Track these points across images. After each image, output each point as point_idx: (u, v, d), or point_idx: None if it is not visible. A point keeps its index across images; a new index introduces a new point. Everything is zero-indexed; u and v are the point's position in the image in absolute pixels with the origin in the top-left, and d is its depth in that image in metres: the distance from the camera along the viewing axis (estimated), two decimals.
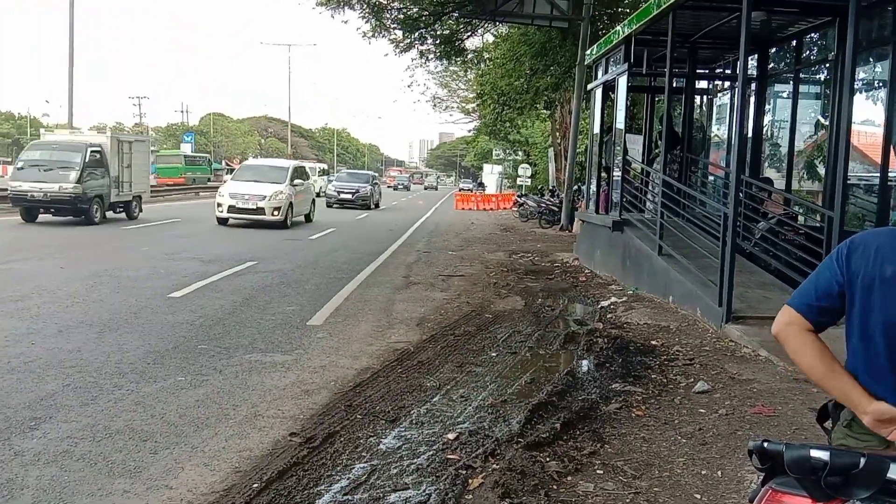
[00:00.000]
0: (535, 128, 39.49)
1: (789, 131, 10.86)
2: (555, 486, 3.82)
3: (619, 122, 12.28)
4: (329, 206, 30.50)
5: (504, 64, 24.34)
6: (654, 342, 7.08)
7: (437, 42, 22.48)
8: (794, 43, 10.97)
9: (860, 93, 9.47)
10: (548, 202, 25.14)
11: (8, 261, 11.15)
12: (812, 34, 10.73)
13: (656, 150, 12.75)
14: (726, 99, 13.52)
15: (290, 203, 19.34)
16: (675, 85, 12.34)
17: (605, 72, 13.03)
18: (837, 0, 8.52)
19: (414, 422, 4.76)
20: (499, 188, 52.52)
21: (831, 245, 7.15)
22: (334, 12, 20.33)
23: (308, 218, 21.65)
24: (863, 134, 10.13)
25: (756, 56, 11.36)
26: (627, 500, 3.70)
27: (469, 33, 24.42)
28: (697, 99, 13.81)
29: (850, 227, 7.83)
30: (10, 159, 52.63)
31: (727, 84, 13.57)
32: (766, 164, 12.05)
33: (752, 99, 11.48)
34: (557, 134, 30.33)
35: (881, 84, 9.16)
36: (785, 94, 11.62)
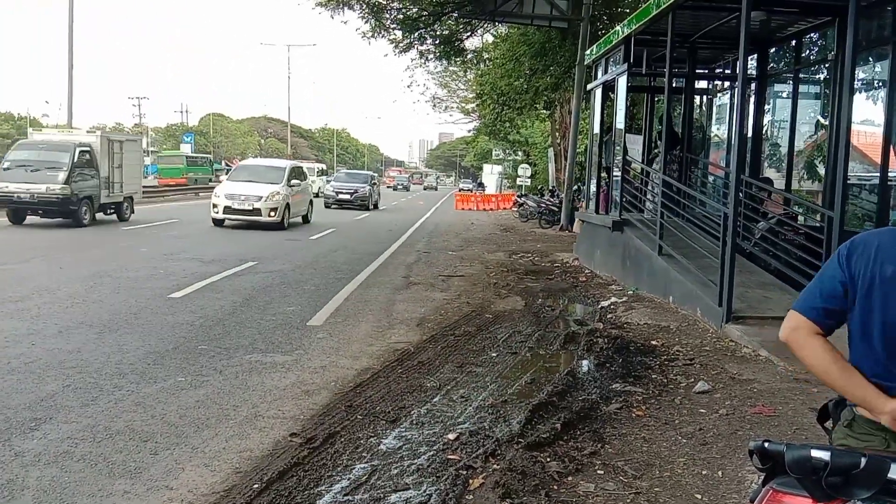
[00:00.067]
0: (535, 128, 39.50)
1: (789, 131, 10.86)
2: (555, 487, 3.82)
3: (619, 122, 12.28)
4: (327, 206, 30.20)
5: (504, 64, 24.34)
6: (654, 342, 7.08)
7: (437, 42, 22.47)
8: (793, 43, 10.97)
9: (860, 93, 9.47)
10: (548, 202, 25.14)
11: (3, 262, 11.15)
12: (812, 34, 10.74)
13: (656, 150, 12.76)
14: (726, 99, 13.53)
15: (287, 204, 19.07)
16: (674, 85, 12.34)
17: (605, 72, 13.04)
18: (837, 0, 8.53)
19: (414, 422, 4.77)
20: (499, 188, 52.53)
21: (831, 245, 7.15)
22: (334, 13, 20.33)
23: (306, 219, 21.43)
24: (862, 134, 10.13)
25: (756, 56, 11.37)
26: (628, 501, 3.70)
27: (468, 33, 24.42)
28: (697, 99, 13.82)
29: (849, 226, 7.83)
30: None
31: (727, 84, 13.57)
32: (766, 164, 12.06)
33: (752, 99, 11.48)
34: (557, 134, 30.33)
35: (881, 84, 9.17)
36: (784, 94, 11.62)
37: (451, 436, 4.48)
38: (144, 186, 38.79)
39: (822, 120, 10.95)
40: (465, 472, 3.91)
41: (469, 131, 57.62)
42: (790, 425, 4.73)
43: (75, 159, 17.16)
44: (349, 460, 4.08)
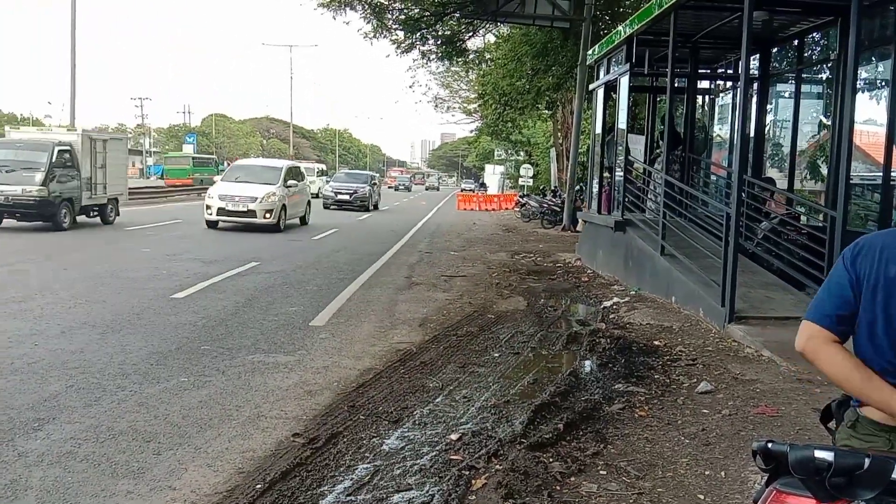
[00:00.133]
0: (537, 128, 39.49)
1: (791, 131, 10.84)
2: (558, 487, 3.82)
3: (621, 121, 12.28)
4: (326, 207, 29.65)
5: (505, 64, 24.33)
6: (656, 342, 7.07)
7: (439, 42, 22.45)
8: (795, 43, 10.96)
9: (862, 92, 9.45)
10: (550, 202, 25.14)
11: (11, 262, 11.16)
12: (814, 34, 10.72)
13: (658, 151, 12.75)
14: (728, 99, 13.51)
15: (284, 205, 18.57)
16: (676, 85, 12.35)
17: (607, 72, 13.03)
18: (839, 0, 8.52)
19: (417, 422, 4.77)
20: (501, 188, 52.53)
21: (834, 245, 7.14)
22: (336, 14, 20.31)
23: (303, 220, 20.92)
24: (865, 133, 10.11)
25: (758, 56, 11.35)
26: (631, 501, 3.70)
27: (470, 34, 24.39)
28: (699, 99, 13.81)
29: (852, 226, 7.82)
30: None
31: (729, 84, 13.56)
32: (769, 164, 12.04)
33: (754, 99, 11.47)
34: (559, 134, 30.34)
35: (883, 83, 9.14)
36: (787, 94, 11.61)
37: (454, 436, 4.48)
38: (148, 187, 39.27)
39: (824, 120, 10.94)
40: (467, 473, 3.91)
41: (471, 131, 57.65)
42: (793, 426, 4.73)
43: (53, 159, 16.27)
44: (352, 460, 4.08)
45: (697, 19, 10.64)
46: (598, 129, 13.65)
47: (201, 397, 5.12)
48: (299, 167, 23.10)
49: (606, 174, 13.33)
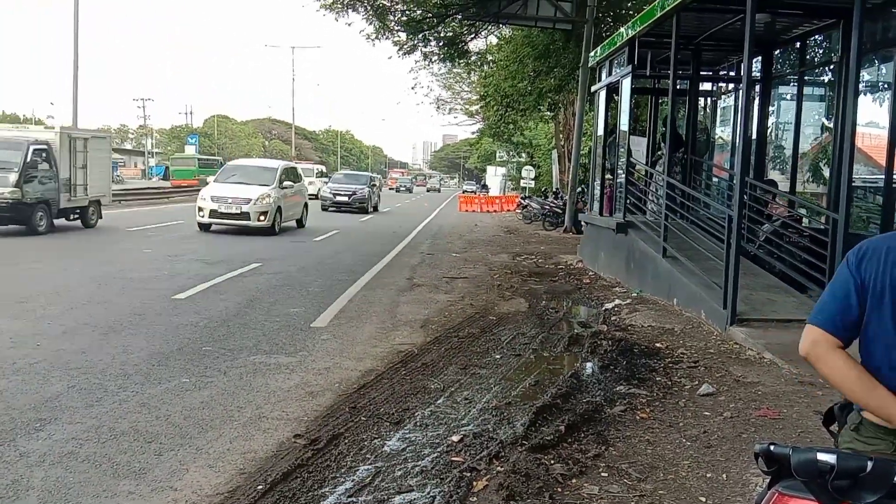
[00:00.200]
0: (539, 130, 39.52)
1: (793, 133, 10.84)
2: (559, 489, 3.81)
3: (623, 123, 12.28)
4: (324, 209, 28.85)
5: (507, 66, 24.36)
6: (658, 344, 7.07)
7: (441, 44, 22.46)
8: (798, 45, 10.96)
9: (865, 95, 9.46)
10: (551, 204, 25.14)
11: (12, 262, 11.18)
12: (816, 36, 10.72)
13: (659, 153, 12.75)
14: (730, 101, 13.51)
15: (279, 207, 17.96)
16: (678, 87, 12.34)
17: (609, 74, 13.03)
18: (842, 2, 8.52)
19: (418, 424, 4.77)
20: (502, 190, 52.51)
21: (836, 247, 7.14)
22: (338, 15, 20.33)
23: (300, 223, 20.30)
24: (867, 136, 10.11)
25: (760, 58, 11.35)
26: (632, 503, 3.70)
27: (472, 35, 24.40)
28: (701, 101, 13.80)
29: (854, 229, 7.82)
30: None
31: (731, 86, 13.56)
32: (771, 167, 12.04)
33: (757, 101, 11.46)
34: (561, 136, 30.37)
35: (886, 86, 9.15)
36: (789, 97, 11.61)
37: (455, 438, 4.48)
38: (150, 188, 39.27)
39: (826, 122, 10.94)
40: (468, 475, 3.91)
41: (473, 133, 57.70)
42: (795, 428, 4.72)
43: (28, 159, 15.18)
44: (353, 462, 4.08)
45: (700, 21, 10.64)
46: (600, 131, 13.65)
47: (203, 398, 5.12)
48: (296, 168, 22.43)
49: (608, 176, 13.33)
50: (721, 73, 13.47)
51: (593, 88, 15.34)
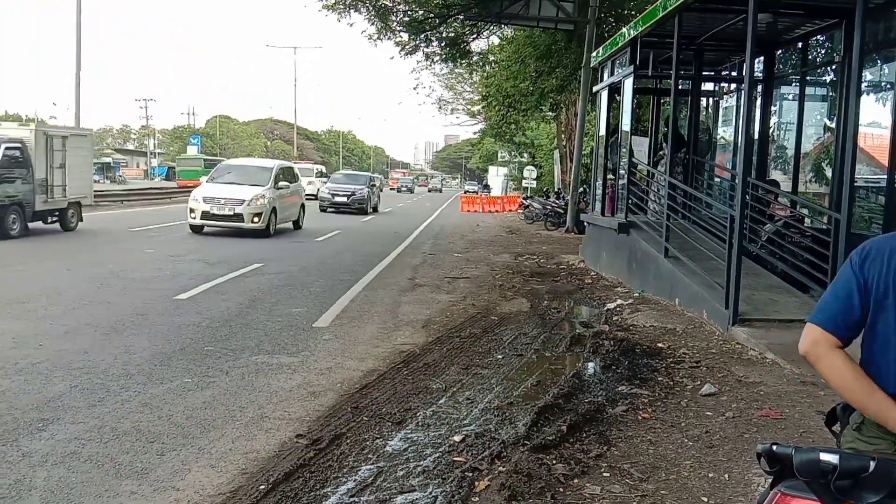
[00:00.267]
0: (541, 130, 39.52)
1: (796, 133, 10.83)
2: (561, 489, 3.81)
3: (625, 124, 12.28)
4: (322, 210, 28.07)
5: (509, 66, 24.36)
6: (660, 344, 7.07)
7: (443, 44, 22.46)
8: (800, 45, 10.95)
9: (867, 95, 9.45)
10: (553, 204, 25.12)
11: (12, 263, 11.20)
12: (818, 36, 10.71)
13: (661, 153, 12.75)
14: (732, 101, 13.50)
15: (274, 208, 17.33)
16: (680, 87, 12.33)
17: (611, 74, 13.03)
18: (844, 2, 8.51)
19: (420, 424, 4.77)
20: (504, 190, 52.50)
21: (838, 247, 7.13)
22: (340, 16, 20.34)
23: (297, 224, 19.69)
24: (870, 136, 10.09)
25: (762, 58, 11.35)
26: (634, 503, 3.70)
27: (474, 36, 24.40)
28: (703, 101, 13.79)
29: (856, 229, 7.81)
30: None
31: (733, 86, 13.54)
32: (773, 167, 12.03)
33: (759, 101, 11.46)
34: (563, 136, 30.35)
35: (888, 86, 9.14)
36: (791, 97, 11.60)
37: (457, 438, 4.48)
38: (153, 188, 39.29)
39: (828, 122, 10.92)
40: (470, 474, 3.91)
41: (475, 133, 57.70)
42: (797, 428, 4.72)
43: None
44: (355, 462, 4.09)
45: (702, 21, 10.64)
46: (602, 131, 13.65)
47: (205, 398, 5.13)
48: (292, 167, 21.61)
49: (610, 176, 13.32)
50: (723, 73, 13.47)
51: (595, 88, 15.33)
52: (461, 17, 21.39)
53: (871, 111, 9.92)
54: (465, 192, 55.04)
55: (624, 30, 11.96)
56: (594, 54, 14.77)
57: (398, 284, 10.83)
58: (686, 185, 11.05)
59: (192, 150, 56.87)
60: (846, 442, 1.87)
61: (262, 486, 3.71)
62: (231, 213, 16.57)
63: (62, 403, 4.85)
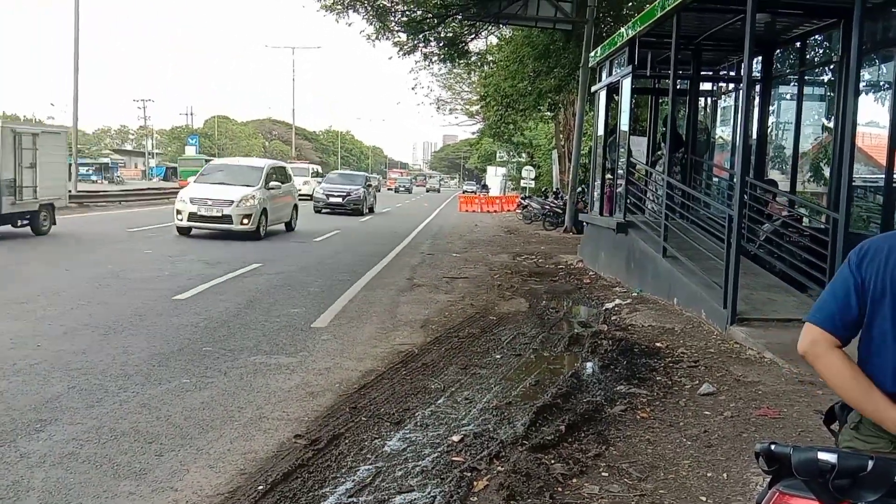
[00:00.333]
0: (539, 130, 39.54)
1: (794, 133, 10.85)
2: (560, 489, 3.81)
3: (623, 123, 12.29)
4: (317, 211, 27.36)
5: (507, 66, 24.38)
6: (658, 344, 7.07)
7: (441, 44, 22.46)
8: (798, 45, 10.96)
9: (865, 94, 9.46)
10: (552, 204, 25.14)
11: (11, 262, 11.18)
12: (817, 36, 10.73)
13: (659, 152, 12.76)
14: (731, 101, 13.51)
15: (264, 209, 16.60)
16: (679, 87, 12.34)
17: (609, 74, 13.03)
18: (842, 2, 8.52)
19: (419, 424, 4.77)
20: (502, 190, 52.53)
21: (836, 247, 7.14)
22: (338, 16, 20.34)
23: (289, 226, 19.12)
24: (868, 136, 10.11)
25: (760, 58, 11.35)
26: (633, 503, 3.70)
27: (473, 36, 24.42)
28: (701, 101, 13.80)
29: (854, 228, 7.82)
30: None
31: (731, 86, 13.55)
32: (771, 166, 12.04)
33: (757, 101, 11.47)
34: (561, 136, 30.37)
35: (886, 85, 9.15)
36: (789, 96, 11.61)
37: (456, 438, 4.48)
38: (151, 188, 39.18)
39: (826, 122, 10.94)
40: (469, 474, 3.91)
41: (473, 133, 57.79)
42: (795, 427, 4.72)
43: None
44: (353, 462, 4.08)
45: (700, 21, 10.64)
46: (600, 131, 13.65)
47: (203, 398, 5.12)
48: (285, 167, 20.74)
49: (608, 176, 13.33)
50: (721, 73, 13.47)
51: (593, 88, 15.34)
52: (459, 18, 21.41)
53: (870, 111, 9.96)
54: (464, 192, 55.07)
55: (622, 30, 11.96)
56: (592, 54, 14.77)
57: (397, 284, 10.83)
58: (684, 184, 11.05)
59: (190, 151, 56.78)
60: (844, 441, 1.87)
61: (261, 487, 3.70)
62: (219, 214, 15.92)
63: (60, 404, 4.84)
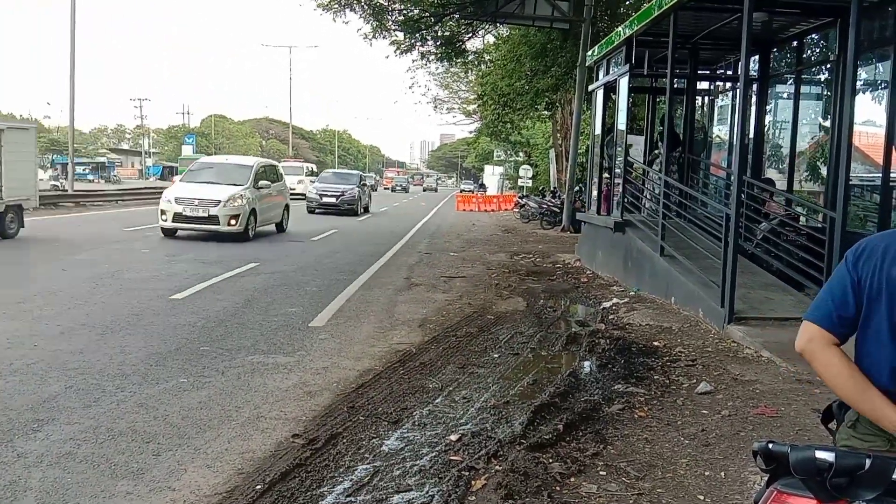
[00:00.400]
0: (536, 129, 39.52)
1: (791, 132, 10.86)
2: (558, 488, 3.82)
3: (621, 122, 12.28)
4: (310, 211, 26.55)
5: (504, 65, 24.38)
6: (656, 343, 7.07)
7: (438, 43, 22.46)
8: (795, 44, 10.97)
9: (862, 93, 9.46)
10: (549, 203, 25.14)
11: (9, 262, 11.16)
12: (813, 35, 10.74)
13: (657, 151, 12.77)
14: (728, 100, 13.53)
15: (253, 209, 15.93)
16: (676, 86, 12.34)
17: (607, 73, 13.04)
18: (839, 1, 8.53)
19: (416, 423, 4.76)
20: (500, 189, 52.56)
21: (833, 246, 7.15)
22: (335, 15, 20.31)
23: (280, 227, 18.52)
24: (864, 134, 10.13)
25: (757, 57, 11.37)
26: (630, 502, 3.70)
27: (470, 35, 24.42)
28: (699, 100, 13.82)
29: (851, 227, 7.83)
30: None
31: (728, 85, 13.57)
32: (768, 165, 12.06)
33: (754, 100, 11.48)
34: (558, 135, 30.35)
35: (883, 84, 9.16)
36: (786, 95, 11.63)
37: (454, 437, 4.48)
38: (148, 188, 39.01)
39: (823, 121, 10.95)
40: (467, 474, 3.91)
41: (470, 132, 57.85)
42: (793, 426, 4.73)
43: None
44: (351, 461, 4.08)
45: (697, 20, 10.66)
46: (598, 130, 13.65)
47: (201, 398, 5.12)
48: (275, 166, 20.03)
49: (606, 175, 13.34)
50: (718, 71, 13.48)
51: (591, 87, 15.35)
52: (456, 16, 21.40)
53: (866, 110, 9.97)
54: (461, 192, 55.07)
55: (619, 28, 11.96)
56: (589, 53, 14.78)
57: (394, 284, 10.83)
58: (681, 183, 11.06)
59: (187, 150, 56.85)
60: (842, 439, 1.88)
61: (259, 486, 3.70)
62: (205, 214, 15.26)
63: (57, 404, 4.83)
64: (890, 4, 8.68)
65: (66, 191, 29.77)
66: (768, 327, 7.14)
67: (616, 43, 11.86)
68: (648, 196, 11.76)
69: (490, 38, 29.24)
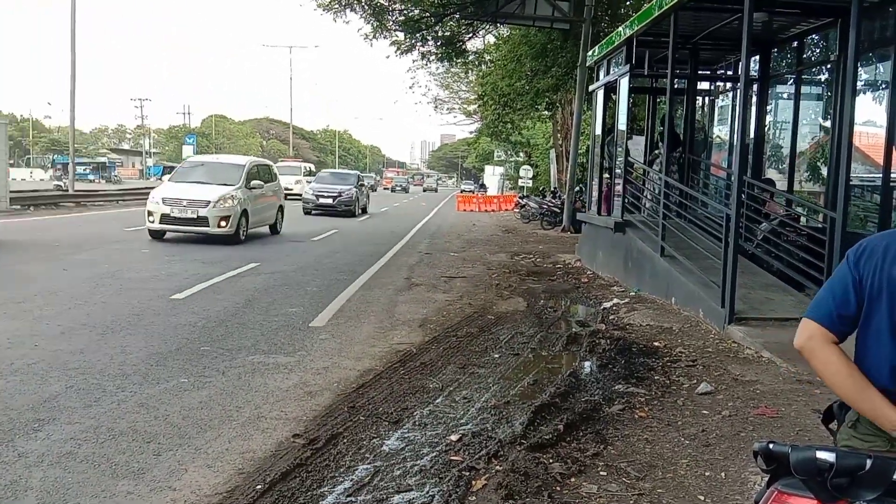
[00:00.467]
0: (537, 129, 39.53)
1: (791, 132, 10.86)
2: (558, 488, 3.82)
3: (621, 123, 12.28)
4: (307, 212, 25.91)
5: (505, 65, 24.38)
6: (656, 343, 7.07)
7: (439, 43, 22.45)
8: (795, 44, 10.98)
9: (862, 94, 9.47)
10: (549, 203, 25.15)
11: (9, 262, 11.16)
12: (814, 35, 10.73)
13: (657, 152, 12.77)
14: (728, 100, 13.53)
15: (245, 210, 15.21)
16: (676, 86, 12.35)
17: (607, 73, 13.04)
18: (839, 1, 8.53)
19: (417, 423, 4.77)
20: (500, 189, 52.55)
21: (833, 246, 7.15)
22: (336, 15, 20.31)
23: (273, 229, 17.79)
24: (865, 135, 10.13)
25: (758, 57, 11.37)
26: (631, 502, 3.70)
27: (470, 35, 24.41)
28: (699, 100, 13.82)
29: (852, 228, 7.83)
30: (11, 162, 52.56)
31: (729, 85, 13.57)
32: (768, 165, 12.06)
33: (754, 100, 11.48)
34: (559, 135, 30.36)
35: (883, 85, 9.16)
36: (787, 96, 11.63)
37: (454, 437, 4.48)
38: (149, 188, 38.77)
39: (823, 121, 10.95)
40: (467, 474, 3.91)
41: (471, 132, 57.85)
42: (793, 427, 4.73)
43: None
44: (352, 461, 4.08)
45: (697, 20, 10.66)
46: (598, 131, 13.65)
47: (201, 398, 5.12)
48: (269, 165, 19.31)
49: (606, 175, 13.34)
50: (719, 72, 13.48)
51: (591, 88, 15.35)
52: (457, 17, 21.39)
53: (867, 110, 9.97)
54: (462, 192, 55.05)
55: (620, 29, 11.96)
56: (590, 53, 14.77)
57: (394, 284, 10.83)
58: (682, 183, 11.06)
59: (187, 150, 56.72)
60: (842, 440, 1.88)
61: (259, 486, 3.70)
62: (194, 216, 14.52)
63: (58, 404, 4.83)
64: (890, 4, 8.68)
65: (67, 191, 29.78)
66: (769, 328, 7.14)
67: (616, 43, 11.86)
68: (649, 196, 11.76)
69: (490, 39, 29.26)
